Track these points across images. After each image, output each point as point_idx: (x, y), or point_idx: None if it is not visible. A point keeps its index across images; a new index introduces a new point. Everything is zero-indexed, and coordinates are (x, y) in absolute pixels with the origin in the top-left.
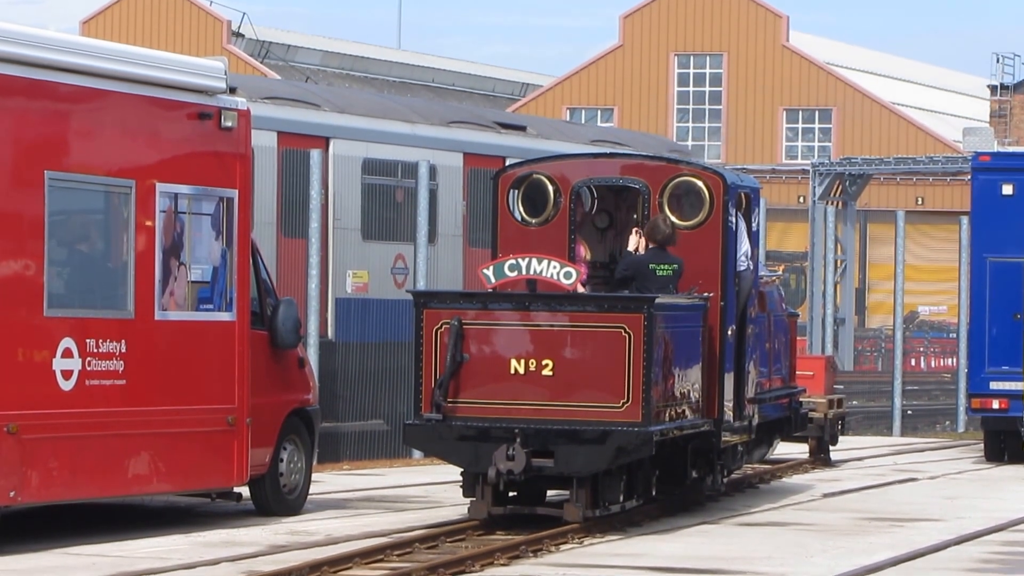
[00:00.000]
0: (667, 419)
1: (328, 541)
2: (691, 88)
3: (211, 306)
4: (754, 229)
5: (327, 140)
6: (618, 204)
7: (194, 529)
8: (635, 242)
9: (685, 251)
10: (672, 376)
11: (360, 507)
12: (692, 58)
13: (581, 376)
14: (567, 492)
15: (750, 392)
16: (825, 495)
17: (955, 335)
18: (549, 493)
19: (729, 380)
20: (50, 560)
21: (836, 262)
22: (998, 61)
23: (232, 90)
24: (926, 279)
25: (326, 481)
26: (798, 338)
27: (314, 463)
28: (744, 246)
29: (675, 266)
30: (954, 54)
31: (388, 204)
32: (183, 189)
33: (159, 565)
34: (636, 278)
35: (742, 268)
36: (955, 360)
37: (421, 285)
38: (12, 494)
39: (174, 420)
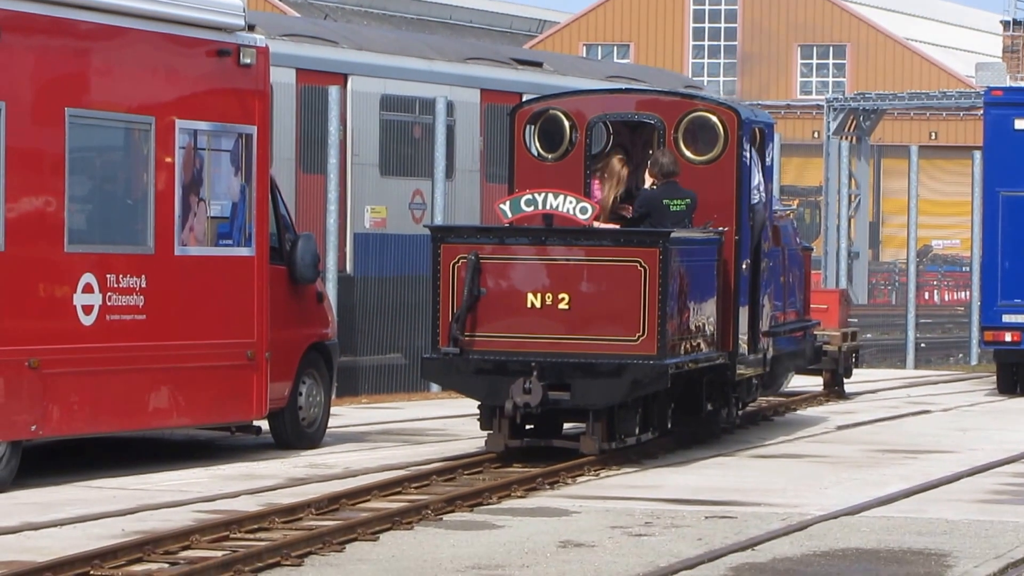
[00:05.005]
0: (682, 352)
1: (347, 474)
2: (706, 24)
3: (230, 241)
4: (768, 164)
5: (345, 77)
6: (634, 140)
7: (214, 462)
8: (650, 180)
9: (699, 186)
10: (687, 310)
11: (378, 440)
12: None
13: (597, 310)
14: (583, 425)
15: (765, 325)
16: (839, 427)
17: (968, 269)
18: (565, 426)
19: (744, 313)
20: (71, 493)
21: (850, 196)
22: None
23: (251, 27)
24: (939, 213)
25: (344, 415)
26: (812, 272)
27: (333, 397)
28: (756, 179)
29: (688, 200)
30: None
31: (406, 140)
32: (202, 125)
33: (179, 498)
34: (651, 214)
35: (754, 201)
36: (968, 293)
37: (439, 220)
38: (34, 428)
39: (194, 355)
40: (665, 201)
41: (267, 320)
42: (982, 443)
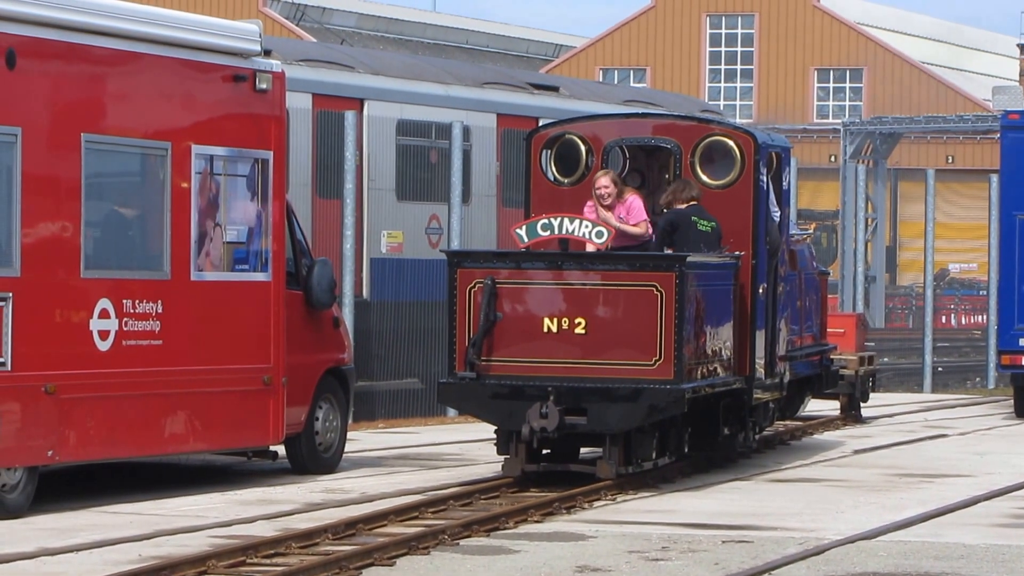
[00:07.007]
0: (699, 377)
1: (363, 499)
2: (723, 48)
3: (246, 266)
4: (785, 188)
5: (362, 102)
6: (650, 164)
7: (231, 488)
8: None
9: (716, 210)
10: (704, 334)
11: (395, 465)
12: (724, 18)
13: (613, 334)
14: (600, 449)
15: (781, 349)
16: (856, 451)
17: (985, 292)
18: (582, 450)
19: (760, 338)
20: (88, 519)
21: (867, 220)
22: None
23: (267, 52)
24: (956, 237)
25: (361, 439)
26: (829, 296)
27: (349, 422)
28: (772, 202)
29: (713, 223)
30: (984, 13)
31: (422, 165)
32: (218, 151)
33: (196, 523)
34: (679, 228)
35: (770, 225)
36: (985, 317)
37: (455, 245)
38: (50, 453)
39: (210, 380)
40: (694, 218)
41: (283, 345)
42: (999, 467)
